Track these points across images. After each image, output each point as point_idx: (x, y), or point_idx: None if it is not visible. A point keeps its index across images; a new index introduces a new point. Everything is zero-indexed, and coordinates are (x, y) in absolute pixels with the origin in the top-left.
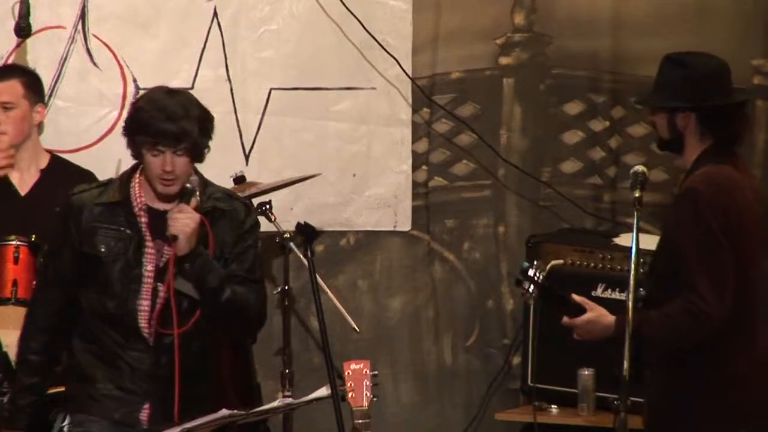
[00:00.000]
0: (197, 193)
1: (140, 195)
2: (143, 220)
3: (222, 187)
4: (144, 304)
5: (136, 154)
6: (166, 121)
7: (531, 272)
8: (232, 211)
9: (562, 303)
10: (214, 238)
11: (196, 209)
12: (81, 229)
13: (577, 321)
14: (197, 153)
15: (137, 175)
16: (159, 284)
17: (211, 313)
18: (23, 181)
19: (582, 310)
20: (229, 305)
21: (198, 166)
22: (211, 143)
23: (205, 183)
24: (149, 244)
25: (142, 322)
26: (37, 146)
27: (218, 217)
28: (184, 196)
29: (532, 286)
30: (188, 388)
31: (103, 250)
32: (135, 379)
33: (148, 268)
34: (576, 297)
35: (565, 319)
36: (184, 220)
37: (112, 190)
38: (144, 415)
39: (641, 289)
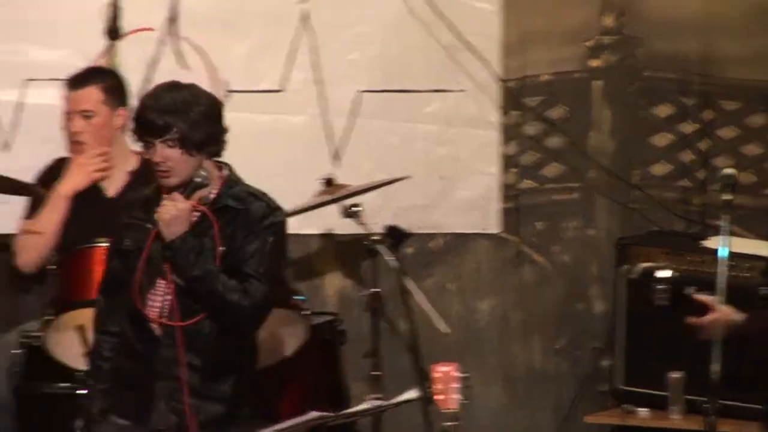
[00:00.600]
0: (209, 188)
1: (177, 188)
2: None
3: (251, 187)
4: (154, 296)
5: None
6: (152, 113)
7: (662, 274)
8: (248, 211)
9: (688, 304)
10: (221, 235)
11: (200, 203)
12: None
13: (704, 320)
14: (190, 146)
15: None
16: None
17: (200, 305)
18: (111, 184)
19: (707, 309)
20: (212, 298)
21: (286, 167)
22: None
23: (235, 181)
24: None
25: (151, 314)
26: (124, 149)
27: (233, 215)
28: (187, 188)
29: (661, 287)
30: (206, 386)
31: (127, 243)
32: (148, 377)
33: (157, 262)
34: (701, 297)
35: (692, 318)
36: (166, 207)
37: (153, 187)
38: (153, 413)
39: (762, 288)
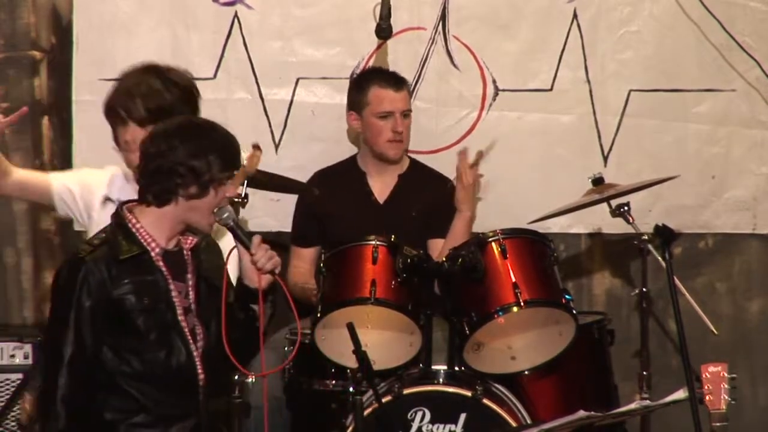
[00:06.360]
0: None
1: (152, 239)
2: (162, 264)
3: None
4: (196, 347)
5: None
6: None
7: None
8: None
9: None
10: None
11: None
12: (104, 290)
13: None
14: None
15: (133, 221)
16: (195, 325)
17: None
18: (383, 186)
19: None
20: None
21: (554, 166)
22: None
23: None
24: (172, 287)
25: (199, 368)
26: None
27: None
28: (235, 231)
29: None
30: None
31: (146, 301)
32: None
33: (179, 312)
34: None
35: None
36: (274, 254)
37: (122, 243)
38: None
39: None
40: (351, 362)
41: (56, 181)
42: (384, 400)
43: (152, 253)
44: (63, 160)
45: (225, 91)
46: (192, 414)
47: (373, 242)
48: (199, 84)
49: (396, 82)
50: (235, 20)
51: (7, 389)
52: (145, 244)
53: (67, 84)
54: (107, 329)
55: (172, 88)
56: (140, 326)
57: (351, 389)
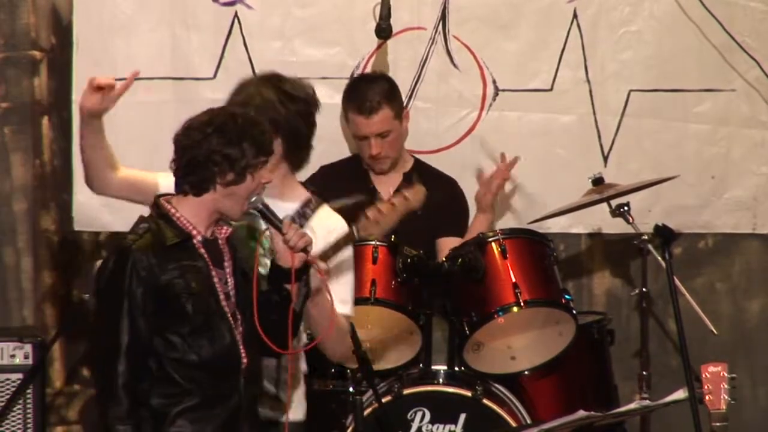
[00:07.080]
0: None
1: (193, 227)
2: (203, 251)
3: None
4: (238, 332)
5: None
6: None
7: None
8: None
9: None
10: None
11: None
12: (153, 276)
13: None
14: None
15: (172, 210)
16: (236, 311)
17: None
18: (387, 186)
19: None
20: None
21: (555, 166)
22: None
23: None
24: (214, 273)
25: (242, 352)
26: (403, 151)
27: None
28: (266, 214)
29: None
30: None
31: (193, 285)
32: (225, 423)
33: (221, 297)
34: None
35: None
36: (306, 233)
37: (165, 231)
38: None
39: None
40: (351, 362)
41: (165, 181)
42: (384, 400)
43: (194, 240)
44: (63, 160)
45: (225, 92)
46: (233, 395)
47: (373, 242)
48: (198, 84)
49: (366, 109)
50: (235, 20)
51: (7, 389)
52: (188, 229)
53: (67, 84)
54: (157, 315)
55: (286, 101)
56: (189, 310)
57: (351, 389)
